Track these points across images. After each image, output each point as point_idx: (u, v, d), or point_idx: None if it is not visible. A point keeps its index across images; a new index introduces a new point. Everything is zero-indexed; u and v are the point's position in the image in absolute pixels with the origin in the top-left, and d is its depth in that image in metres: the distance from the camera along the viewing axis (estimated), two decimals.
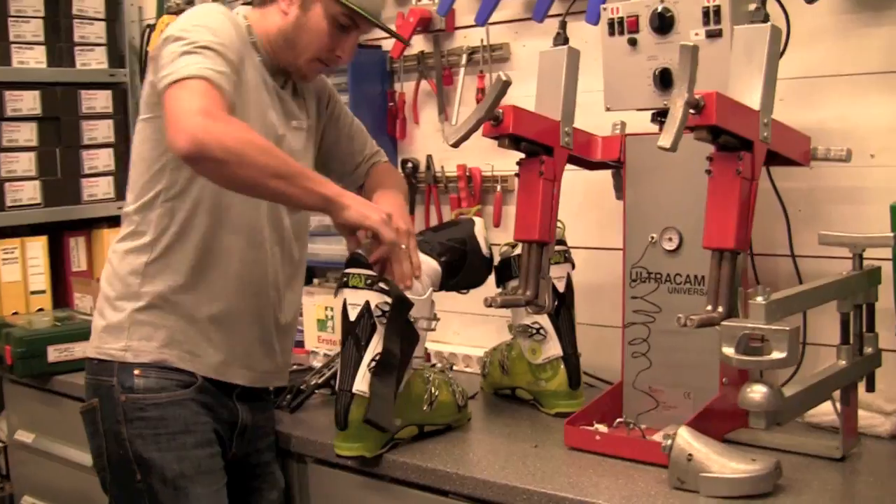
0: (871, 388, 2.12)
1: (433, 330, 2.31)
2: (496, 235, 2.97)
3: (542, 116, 2.27)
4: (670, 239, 2.29)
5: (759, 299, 1.74)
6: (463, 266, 2.39)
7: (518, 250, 2.54)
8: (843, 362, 2.02)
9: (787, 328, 1.70)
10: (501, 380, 2.67)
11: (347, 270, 2.26)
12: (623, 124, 2.49)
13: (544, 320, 2.52)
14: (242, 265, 2.26)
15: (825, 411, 2.15)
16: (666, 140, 1.84)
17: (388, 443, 2.27)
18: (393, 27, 3.11)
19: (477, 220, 2.53)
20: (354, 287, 2.21)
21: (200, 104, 1.98)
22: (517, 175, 2.30)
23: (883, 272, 2.12)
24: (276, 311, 2.35)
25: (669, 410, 2.29)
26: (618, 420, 2.30)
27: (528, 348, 2.56)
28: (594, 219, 2.75)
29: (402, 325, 2.20)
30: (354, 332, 2.21)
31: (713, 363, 2.22)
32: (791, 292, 1.86)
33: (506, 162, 2.91)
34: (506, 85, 2.11)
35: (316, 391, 2.69)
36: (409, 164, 3.16)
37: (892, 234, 1.99)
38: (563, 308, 2.52)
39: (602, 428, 2.26)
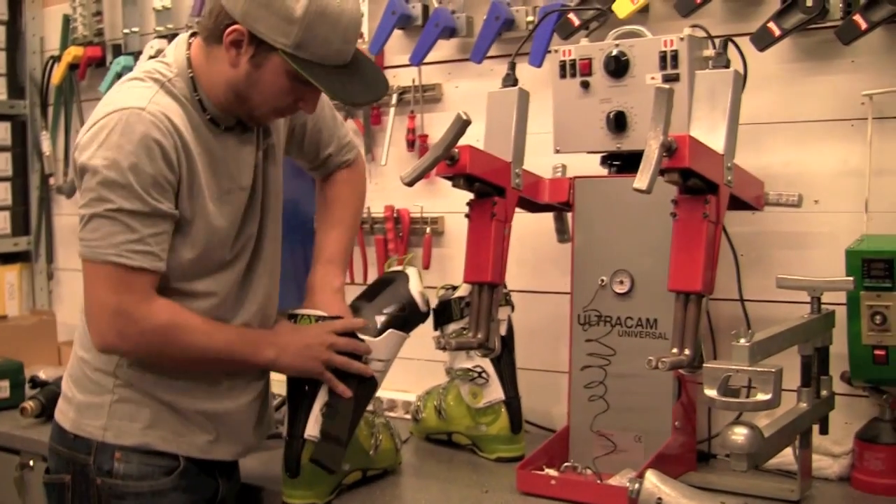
0: (824, 430, 2.14)
1: (384, 371, 2.26)
2: (427, 277, 2.92)
3: (496, 157, 2.25)
4: (622, 282, 2.29)
5: (742, 341, 1.75)
6: (405, 329, 2.32)
7: (459, 292, 2.51)
8: (805, 405, 2.04)
9: (773, 370, 1.71)
10: (438, 425, 2.61)
11: (296, 311, 2.19)
12: (564, 167, 2.49)
13: (486, 364, 2.48)
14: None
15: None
16: (642, 182, 1.83)
17: (336, 489, 2.20)
18: None
19: (411, 273, 2.39)
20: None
21: (113, 302, 1.91)
22: (467, 216, 2.27)
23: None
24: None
25: (620, 454, 2.28)
26: (565, 464, 2.28)
27: (469, 392, 2.52)
28: (530, 262, 2.74)
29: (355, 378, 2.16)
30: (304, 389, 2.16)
31: (665, 407, 2.23)
32: (768, 335, 1.87)
33: (436, 203, 2.89)
34: (465, 124, 2.07)
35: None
36: None
37: (851, 279, 2.03)
38: (504, 351, 2.47)
39: (552, 472, 2.23)
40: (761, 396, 1.71)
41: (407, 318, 2.29)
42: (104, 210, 1.89)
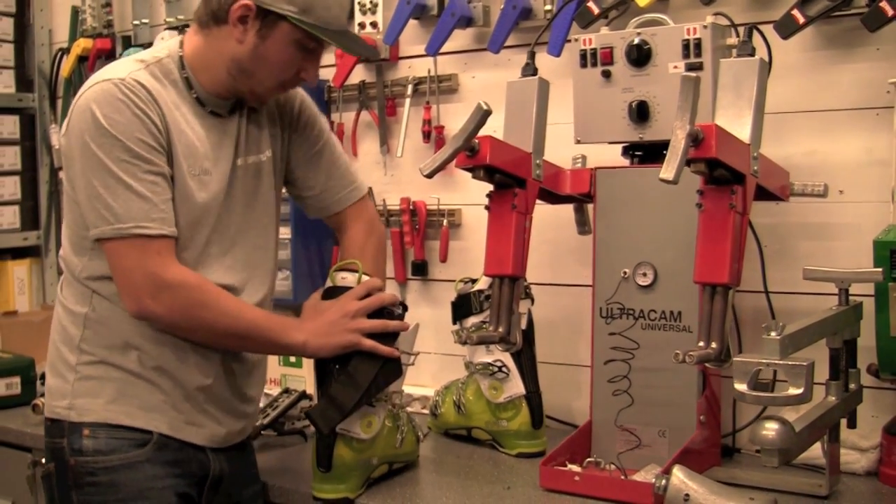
0: (852, 424, 2.11)
1: (412, 364, 2.26)
2: (444, 270, 2.91)
3: (517, 148, 2.21)
4: (644, 274, 2.25)
5: (773, 334, 1.71)
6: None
7: (478, 285, 2.48)
8: (833, 398, 2.00)
9: (805, 363, 1.68)
10: (457, 420, 2.58)
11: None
12: (584, 158, 2.46)
13: (507, 358, 2.45)
14: None
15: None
16: (668, 172, 1.79)
17: (366, 482, 2.19)
18: (331, 56, 3.04)
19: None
20: None
21: (145, 266, 1.95)
22: (487, 208, 2.23)
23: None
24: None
25: (644, 449, 2.24)
26: (588, 460, 2.25)
27: (489, 387, 2.48)
28: (548, 254, 2.70)
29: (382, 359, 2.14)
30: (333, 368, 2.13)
31: (689, 401, 2.20)
32: (799, 327, 1.83)
33: (453, 196, 2.86)
34: (486, 114, 2.04)
35: (262, 432, 2.56)
36: None
37: (880, 270, 1.99)
38: (525, 345, 2.44)
39: (575, 468, 2.20)
40: (793, 391, 1.68)
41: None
42: (112, 179, 1.93)
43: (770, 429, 1.73)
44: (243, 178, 2.14)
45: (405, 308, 2.22)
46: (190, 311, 1.99)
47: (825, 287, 2.12)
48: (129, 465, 2.02)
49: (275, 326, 2.08)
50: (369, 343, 2.10)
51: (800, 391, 1.67)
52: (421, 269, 2.96)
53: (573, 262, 2.64)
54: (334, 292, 2.17)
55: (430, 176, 2.10)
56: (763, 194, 2.15)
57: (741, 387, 1.71)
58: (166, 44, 2.13)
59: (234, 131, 2.13)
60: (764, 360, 1.71)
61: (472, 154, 2.11)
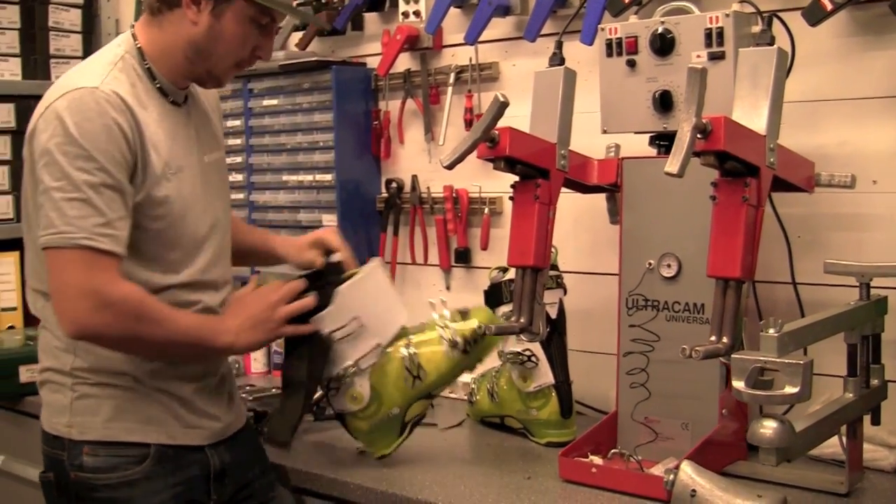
0: (876, 421, 2.07)
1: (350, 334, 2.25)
2: (485, 258, 2.91)
3: (539, 138, 2.21)
4: (669, 265, 2.23)
5: (772, 331, 1.68)
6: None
7: (509, 275, 2.48)
8: (851, 395, 1.96)
9: (801, 362, 1.64)
10: (491, 408, 2.59)
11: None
12: (618, 147, 2.44)
13: (536, 347, 2.45)
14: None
15: (828, 444, 2.08)
16: (673, 166, 1.77)
17: (402, 428, 2.29)
18: (378, 45, 3.07)
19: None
20: None
21: (86, 283, 1.91)
22: (511, 198, 2.24)
23: (889, 302, 2.07)
24: None
25: (666, 442, 2.23)
26: (612, 451, 2.23)
27: (519, 376, 2.49)
28: (585, 243, 2.69)
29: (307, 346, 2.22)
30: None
31: (712, 394, 2.18)
32: (802, 324, 1.80)
33: (494, 184, 2.86)
34: (503, 106, 2.04)
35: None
36: (394, 185, 3.10)
37: None
38: (555, 335, 2.45)
39: (597, 459, 2.19)
40: (789, 389, 1.65)
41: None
42: (70, 188, 1.90)
43: (767, 427, 1.70)
44: (210, 173, 2.18)
45: (326, 283, 2.25)
46: (129, 328, 1.96)
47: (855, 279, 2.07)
48: (128, 483, 2.04)
49: (205, 332, 2.08)
50: (289, 328, 2.17)
51: (796, 390, 1.64)
52: (464, 257, 2.97)
53: (612, 251, 2.61)
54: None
55: (450, 167, 2.11)
56: (790, 185, 2.11)
57: (739, 384, 1.69)
58: (120, 39, 2.13)
59: (191, 125, 2.16)
60: (761, 358, 1.68)
61: (493, 145, 2.11)
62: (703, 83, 1.79)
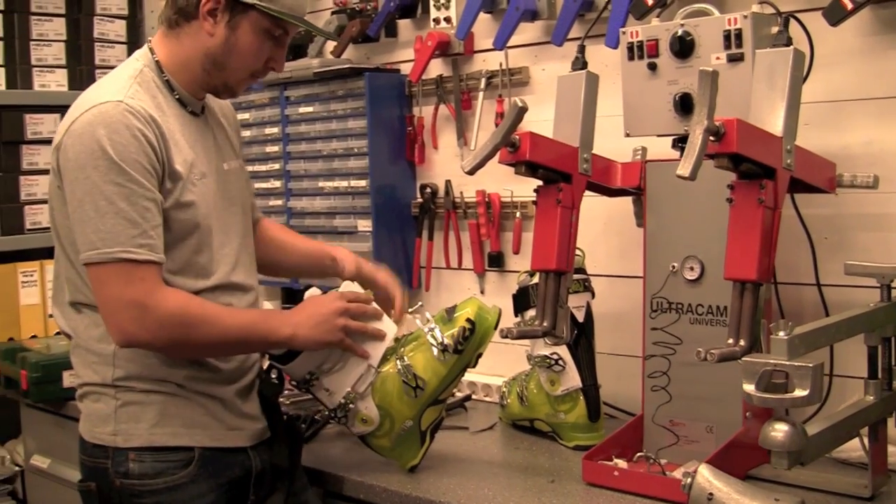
0: None
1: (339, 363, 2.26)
2: (515, 262, 2.92)
3: (560, 142, 2.21)
4: (692, 268, 2.23)
5: (781, 334, 1.68)
6: None
7: (536, 278, 2.48)
8: (871, 397, 1.95)
9: (810, 365, 1.63)
10: (520, 411, 2.60)
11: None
12: (644, 150, 2.43)
13: (563, 351, 2.46)
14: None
15: (853, 446, 2.07)
16: (685, 169, 1.78)
17: (422, 436, 2.29)
18: (412, 52, 3.09)
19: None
20: None
21: (128, 295, 1.96)
22: (535, 202, 2.24)
23: None
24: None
25: (691, 445, 2.22)
26: (638, 454, 2.24)
27: (547, 379, 2.50)
28: (615, 245, 2.69)
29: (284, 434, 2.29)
30: None
31: (736, 396, 2.15)
32: (814, 326, 1.79)
33: (525, 188, 2.83)
34: (522, 111, 2.06)
35: (331, 421, 2.62)
36: (428, 190, 3.12)
37: None
38: (582, 338, 2.45)
39: (621, 463, 2.20)
40: (799, 392, 1.64)
41: None
42: (103, 202, 1.95)
43: (778, 430, 1.69)
44: (229, 181, 2.23)
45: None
46: (178, 333, 2.01)
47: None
48: (174, 487, 2.07)
49: (262, 328, 2.12)
50: (349, 342, 2.20)
51: (805, 393, 1.64)
52: (497, 261, 2.98)
53: (640, 254, 2.61)
54: None
55: (471, 172, 2.12)
56: (811, 187, 2.10)
57: (749, 387, 1.68)
58: (138, 54, 2.18)
59: (209, 134, 2.21)
60: (772, 361, 1.68)
61: (514, 150, 2.13)
62: (715, 86, 1.79)
